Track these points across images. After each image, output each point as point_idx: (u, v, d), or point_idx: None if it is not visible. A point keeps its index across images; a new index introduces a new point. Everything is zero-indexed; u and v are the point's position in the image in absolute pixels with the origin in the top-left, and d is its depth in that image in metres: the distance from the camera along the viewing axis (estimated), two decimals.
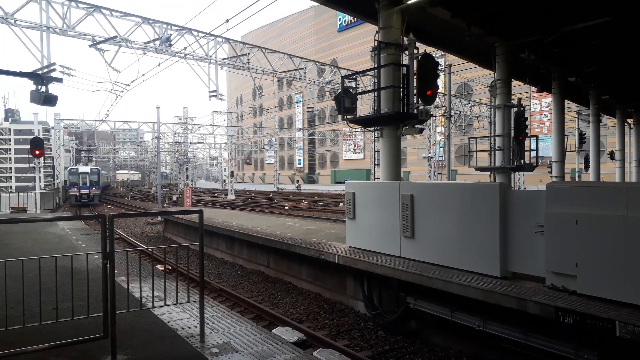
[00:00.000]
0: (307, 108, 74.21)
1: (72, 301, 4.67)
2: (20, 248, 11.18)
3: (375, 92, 10.23)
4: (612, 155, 28.24)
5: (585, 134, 27.92)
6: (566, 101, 18.39)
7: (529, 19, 11.87)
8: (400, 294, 8.48)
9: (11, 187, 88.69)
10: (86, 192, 42.01)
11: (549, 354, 6.16)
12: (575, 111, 29.75)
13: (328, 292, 11.09)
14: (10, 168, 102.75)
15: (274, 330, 7.99)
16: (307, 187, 65.68)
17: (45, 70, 10.13)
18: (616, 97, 22.68)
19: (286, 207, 33.71)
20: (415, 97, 9.79)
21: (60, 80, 8.03)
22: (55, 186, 42.20)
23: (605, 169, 28.30)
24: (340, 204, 33.06)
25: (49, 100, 8.10)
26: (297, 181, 72.59)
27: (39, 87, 7.93)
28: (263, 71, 22.51)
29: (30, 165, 26.06)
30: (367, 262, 8.79)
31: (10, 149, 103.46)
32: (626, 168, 28.87)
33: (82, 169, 43.69)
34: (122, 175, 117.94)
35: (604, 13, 10.93)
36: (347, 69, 26.28)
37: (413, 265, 8.21)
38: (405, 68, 9.77)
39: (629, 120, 27.95)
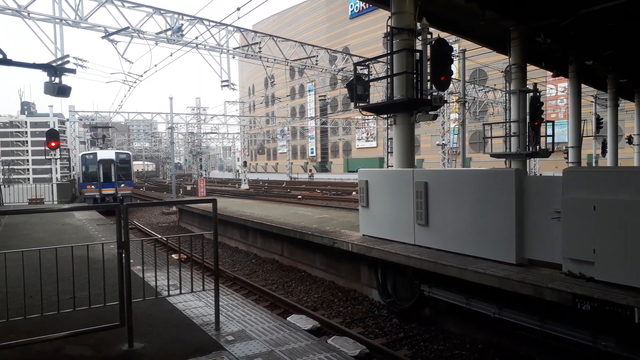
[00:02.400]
0: (319, 96, 73.96)
1: (88, 290, 4.72)
2: (38, 238, 11.35)
3: (388, 79, 10.12)
4: (630, 140, 27.71)
5: (602, 118, 27.38)
6: (583, 85, 18.03)
7: (545, 2, 11.60)
8: (415, 282, 8.45)
9: (28, 178, 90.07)
10: (111, 191, 27.40)
11: (566, 341, 6.10)
12: (592, 95, 29.18)
13: (342, 280, 11.11)
14: (28, 160, 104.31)
15: (288, 318, 8.04)
16: (320, 176, 65.71)
17: (59, 62, 10.16)
18: (635, 81, 22.17)
19: (299, 197, 33.76)
20: (428, 83, 9.66)
21: (73, 71, 8.09)
22: (72, 177, 41.65)
23: (623, 154, 27.78)
24: (354, 193, 33.00)
25: (63, 91, 8.16)
26: (310, 170, 72.65)
27: (53, 78, 8.00)
28: (275, 60, 22.40)
29: (47, 157, 26.39)
30: (381, 250, 8.76)
31: (27, 142, 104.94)
32: None
33: (104, 154, 28.38)
34: (137, 166, 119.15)
35: None
36: (359, 56, 26.00)
37: (427, 253, 8.17)
38: (418, 54, 9.64)
39: None
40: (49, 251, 4.71)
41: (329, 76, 31.70)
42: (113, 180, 27.56)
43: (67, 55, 11.93)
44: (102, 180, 27.32)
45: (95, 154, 28.18)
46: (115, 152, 29.06)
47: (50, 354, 4.42)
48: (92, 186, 27.14)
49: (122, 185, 27.93)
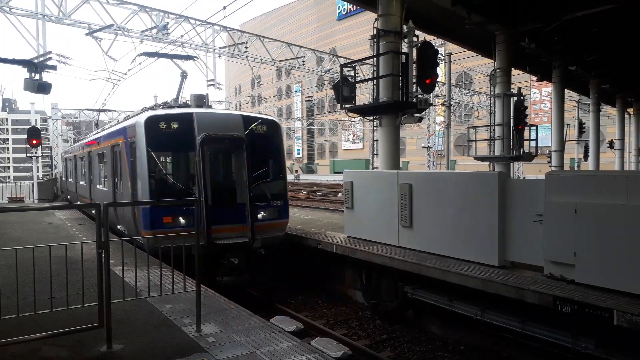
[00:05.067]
0: (306, 97, 73.84)
1: (67, 290, 4.62)
2: (17, 238, 11.13)
3: (374, 81, 10.13)
4: (611, 144, 28.19)
5: (584, 123, 27.84)
6: (566, 90, 18.29)
7: (530, 6, 11.74)
8: (399, 284, 8.46)
9: (9, 177, 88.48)
10: (237, 234, 9.19)
11: (547, 343, 6.15)
12: (575, 100, 29.62)
13: (326, 281, 11.07)
14: (8, 158, 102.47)
15: (271, 320, 7.97)
16: (305, 177, 65.52)
17: (42, 59, 9.99)
18: (617, 86, 22.56)
19: None
20: (414, 85, 9.70)
21: (54, 67, 7.95)
22: (53, 176, 40.68)
23: (605, 158, 28.27)
24: (339, 194, 32.97)
25: (43, 87, 8.01)
26: (296, 171, 72.48)
27: (33, 74, 7.85)
28: (261, 60, 22.32)
29: (28, 155, 25.94)
30: (366, 251, 8.76)
31: (7, 139, 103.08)
32: (625, 157, 28.85)
33: (211, 121, 9.20)
34: None
35: (606, 0, 10.79)
36: (346, 58, 26.06)
37: (411, 254, 8.18)
38: (404, 56, 9.67)
39: (629, 110, 27.85)
40: (27, 251, 4.61)
41: (316, 77, 31.66)
42: (241, 200, 9.68)
43: (50, 52, 11.74)
44: (210, 203, 9.27)
45: (189, 119, 9.22)
46: (242, 116, 10.05)
47: (26, 355, 4.32)
48: (182, 219, 8.97)
49: (264, 213, 9.88)
